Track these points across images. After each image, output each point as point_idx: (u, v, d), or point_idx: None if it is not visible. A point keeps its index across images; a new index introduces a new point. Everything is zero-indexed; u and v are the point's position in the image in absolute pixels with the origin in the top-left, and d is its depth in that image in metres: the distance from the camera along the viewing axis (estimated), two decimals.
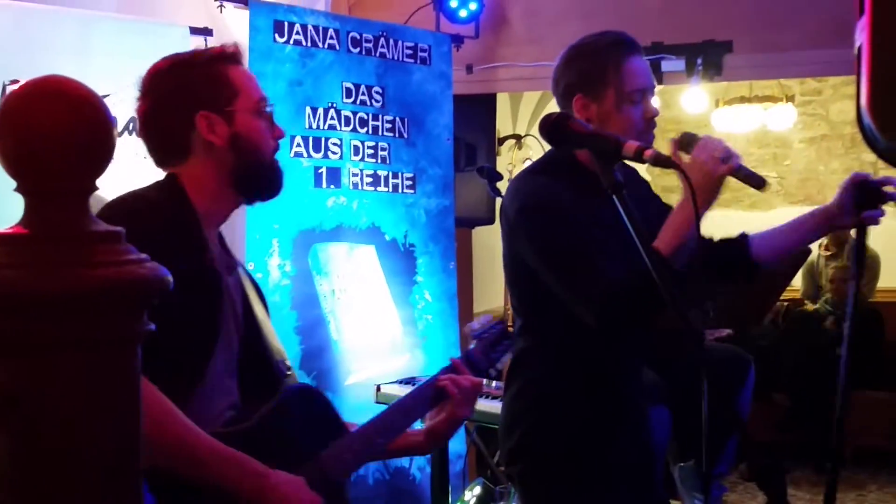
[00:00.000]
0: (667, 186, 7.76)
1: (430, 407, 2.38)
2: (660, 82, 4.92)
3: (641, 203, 2.56)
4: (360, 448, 2.20)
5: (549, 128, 1.94)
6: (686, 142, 2.39)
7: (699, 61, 4.92)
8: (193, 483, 1.84)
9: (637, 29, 5.10)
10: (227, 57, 2.13)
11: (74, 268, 0.92)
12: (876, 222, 2.58)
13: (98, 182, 1.00)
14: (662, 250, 2.28)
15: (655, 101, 2.57)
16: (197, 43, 4.46)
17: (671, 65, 5.06)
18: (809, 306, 7.55)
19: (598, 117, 2.50)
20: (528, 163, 6.34)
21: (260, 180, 2.15)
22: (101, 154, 0.99)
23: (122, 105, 3.95)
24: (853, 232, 8.52)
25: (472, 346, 2.53)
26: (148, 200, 2.00)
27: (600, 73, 2.51)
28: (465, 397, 2.35)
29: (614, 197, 1.80)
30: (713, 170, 2.30)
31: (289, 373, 2.22)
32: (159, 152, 2.12)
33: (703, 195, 2.25)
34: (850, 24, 1.00)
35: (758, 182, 2.51)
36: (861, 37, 0.92)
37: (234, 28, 4.80)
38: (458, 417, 2.36)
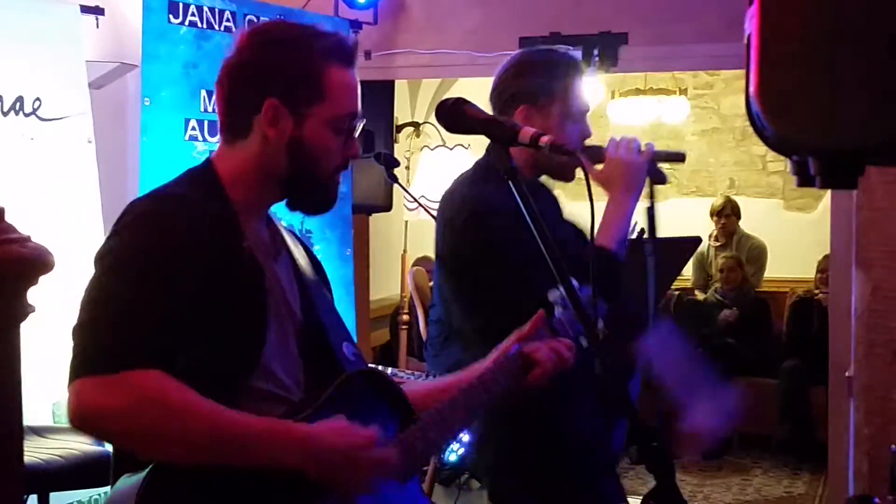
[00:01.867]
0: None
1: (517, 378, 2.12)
2: None
3: (559, 223, 2.61)
4: (436, 433, 1.97)
5: (446, 113, 1.94)
6: (595, 153, 2.53)
7: (595, 52, 4.98)
8: (240, 469, 1.68)
9: (535, 19, 5.18)
10: (338, 54, 1.91)
11: None
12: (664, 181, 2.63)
13: None
14: (609, 245, 2.46)
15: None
16: (88, 23, 4.35)
17: None
18: (699, 295, 7.73)
19: (539, 129, 2.52)
20: (425, 150, 6.38)
21: (307, 195, 1.96)
22: None
23: (8, 84, 3.87)
24: (742, 223, 8.66)
25: (557, 316, 2.19)
26: (176, 199, 1.82)
27: (551, 89, 2.55)
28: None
29: (510, 182, 1.81)
30: (634, 160, 2.51)
31: (353, 358, 2.02)
32: (222, 117, 1.94)
33: (632, 186, 2.51)
34: (741, 20, 1.02)
35: (677, 157, 2.69)
36: (750, 25, 0.94)
37: (127, 8, 4.69)
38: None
